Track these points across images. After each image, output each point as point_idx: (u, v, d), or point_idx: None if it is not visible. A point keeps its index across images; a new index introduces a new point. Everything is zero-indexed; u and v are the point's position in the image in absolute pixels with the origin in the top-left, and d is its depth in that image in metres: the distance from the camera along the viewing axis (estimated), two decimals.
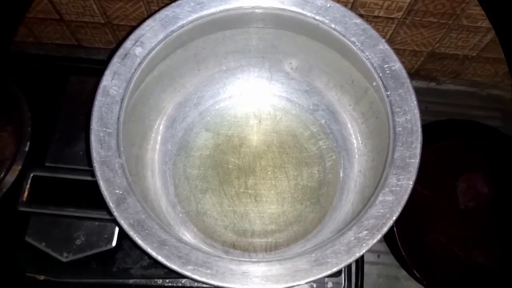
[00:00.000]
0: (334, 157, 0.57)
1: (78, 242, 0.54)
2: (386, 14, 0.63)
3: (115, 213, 0.39)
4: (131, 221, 0.39)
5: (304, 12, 0.46)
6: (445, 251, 0.64)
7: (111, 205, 0.39)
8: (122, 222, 0.38)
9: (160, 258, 0.37)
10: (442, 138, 0.67)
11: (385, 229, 0.38)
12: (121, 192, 0.39)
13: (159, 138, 0.56)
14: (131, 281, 0.54)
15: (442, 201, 0.67)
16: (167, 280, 0.54)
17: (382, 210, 0.39)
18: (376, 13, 0.62)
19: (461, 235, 0.65)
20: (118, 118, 0.42)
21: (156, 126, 0.56)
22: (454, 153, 0.67)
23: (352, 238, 0.38)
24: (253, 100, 0.61)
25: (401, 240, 0.60)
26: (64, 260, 0.53)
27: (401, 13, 0.62)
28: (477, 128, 0.71)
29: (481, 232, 0.65)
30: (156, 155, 0.55)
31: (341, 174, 0.56)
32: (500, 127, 0.72)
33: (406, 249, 0.63)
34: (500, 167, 0.69)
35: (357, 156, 0.54)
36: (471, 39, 0.67)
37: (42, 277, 0.54)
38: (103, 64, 0.45)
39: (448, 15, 0.62)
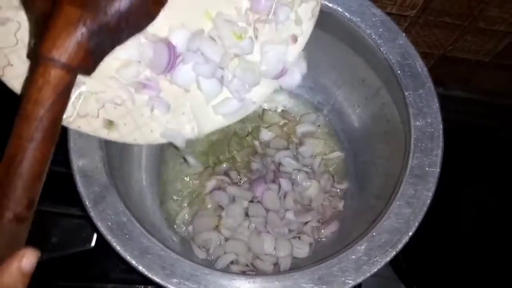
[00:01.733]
0: (338, 161, 0.53)
1: (53, 240, 0.50)
2: (399, 11, 0.59)
3: (92, 214, 0.34)
4: (109, 223, 0.34)
5: None
6: (448, 266, 0.61)
7: (88, 203, 0.34)
8: (99, 224, 0.34)
9: (141, 268, 0.33)
10: (446, 148, 0.64)
11: (399, 246, 0.34)
12: (99, 190, 0.35)
13: None
14: (109, 285, 0.50)
15: (446, 214, 0.63)
16: (149, 287, 0.50)
17: (396, 224, 0.35)
18: (388, 9, 0.59)
19: (464, 250, 0.62)
20: None
21: None
22: (459, 165, 0.64)
23: (362, 255, 0.33)
24: None
25: (401, 251, 0.56)
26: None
27: (415, 11, 0.58)
28: (485, 139, 0.68)
29: (485, 247, 0.62)
30: (143, 148, 0.50)
31: (346, 182, 0.51)
32: (509, 140, 0.69)
33: (406, 262, 0.60)
34: (507, 180, 0.66)
35: (364, 161, 0.50)
36: (486, 43, 0.64)
37: None
38: None
39: (464, 15, 0.59)
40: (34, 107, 0.24)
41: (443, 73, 0.72)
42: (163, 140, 0.37)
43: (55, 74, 0.23)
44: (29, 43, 0.31)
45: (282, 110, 0.56)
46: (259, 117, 0.56)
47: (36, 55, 0.24)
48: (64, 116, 0.31)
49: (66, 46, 0.23)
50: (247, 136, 0.54)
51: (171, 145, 0.53)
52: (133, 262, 0.33)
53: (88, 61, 0.24)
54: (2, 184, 0.24)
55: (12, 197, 0.24)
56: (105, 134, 0.35)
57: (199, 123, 0.36)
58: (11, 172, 0.24)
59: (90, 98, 0.33)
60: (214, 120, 0.36)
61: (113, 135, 0.35)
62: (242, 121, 0.55)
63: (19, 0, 0.28)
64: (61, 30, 0.23)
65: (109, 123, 0.35)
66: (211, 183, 0.50)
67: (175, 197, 0.51)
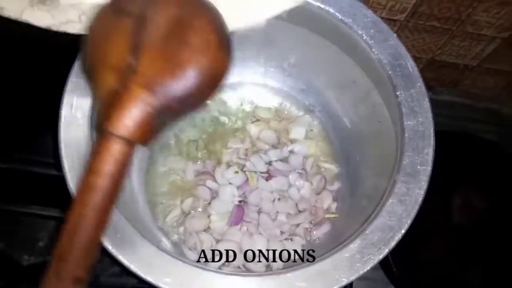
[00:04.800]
0: (329, 162, 0.53)
1: (41, 244, 0.50)
2: (389, 16, 0.60)
3: None
4: None
5: (308, 0, 0.41)
6: (438, 268, 0.61)
7: None
8: None
9: (133, 268, 0.32)
10: (436, 150, 0.65)
11: (392, 244, 0.34)
12: None
13: None
14: None
15: (436, 216, 0.64)
16: None
17: (389, 222, 0.35)
18: (378, 14, 0.59)
19: (455, 252, 0.62)
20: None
21: None
22: (449, 167, 0.64)
23: (355, 253, 0.33)
24: (245, 97, 0.56)
25: (392, 254, 0.56)
26: (24, 263, 0.49)
27: (404, 15, 0.59)
28: (473, 142, 0.68)
29: (476, 249, 0.62)
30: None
31: (338, 183, 0.52)
32: (496, 143, 0.69)
33: (397, 265, 0.60)
34: (496, 182, 0.66)
35: (356, 162, 0.50)
36: (473, 48, 0.65)
37: None
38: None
39: (452, 20, 0.60)
40: (96, 177, 0.25)
41: (432, 77, 0.73)
42: None
43: (117, 148, 0.26)
44: (92, 115, 0.36)
45: (275, 109, 0.56)
46: (253, 113, 0.56)
47: (101, 129, 0.26)
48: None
49: (129, 124, 0.26)
50: (237, 131, 0.54)
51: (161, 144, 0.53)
52: (125, 262, 0.32)
53: (147, 136, 0.27)
54: (64, 250, 0.26)
55: (72, 261, 0.26)
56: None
57: None
58: (71, 238, 0.26)
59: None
60: None
61: None
62: (235, 117, 0.55)
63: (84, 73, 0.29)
64: (126, 109, 0.26)
65: None
66: (198, 181, 0.51)
67: (165, 199, 0.51)
